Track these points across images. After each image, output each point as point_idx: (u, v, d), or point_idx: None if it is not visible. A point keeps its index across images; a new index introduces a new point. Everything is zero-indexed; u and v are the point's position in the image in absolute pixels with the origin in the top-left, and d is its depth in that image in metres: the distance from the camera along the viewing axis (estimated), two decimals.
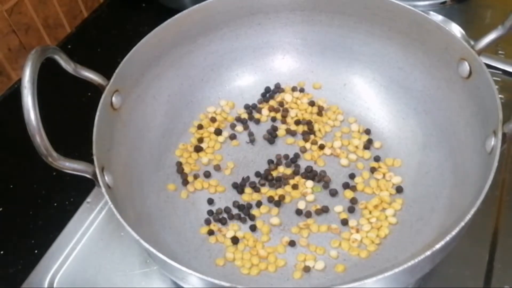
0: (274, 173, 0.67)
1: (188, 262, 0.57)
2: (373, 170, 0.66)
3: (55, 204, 0.69)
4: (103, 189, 0.50)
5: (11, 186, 0.71)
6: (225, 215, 0.63)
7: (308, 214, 0.63)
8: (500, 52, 0.78)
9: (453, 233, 0.45)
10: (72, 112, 0.77)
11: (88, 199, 0.68)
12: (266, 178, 0.66)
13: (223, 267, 0.59)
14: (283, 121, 0.72)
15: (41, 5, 0.83)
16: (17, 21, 0.80)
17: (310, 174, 0.66)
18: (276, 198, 0.64)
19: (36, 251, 0.64)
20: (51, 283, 0.62)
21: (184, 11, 0.65)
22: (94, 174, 0.51)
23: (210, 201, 0.65)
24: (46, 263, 0.63)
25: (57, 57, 0.51)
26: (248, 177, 0.66)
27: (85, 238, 0.65)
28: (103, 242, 0.65)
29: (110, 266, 0.63)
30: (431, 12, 0.83)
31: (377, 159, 0.67)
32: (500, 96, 0.54)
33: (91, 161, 0.51)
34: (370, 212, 0.62)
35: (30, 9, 0.82)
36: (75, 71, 0.54)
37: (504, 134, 0.51)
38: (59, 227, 0.66)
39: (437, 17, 0.81)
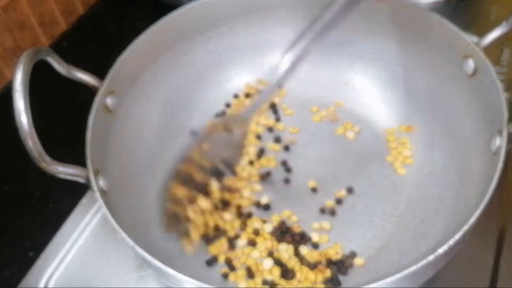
0: None
1: (185, 268, 0.56)
2: None
3: (50, 206, 0.68)
4: (97, 194, 0.49)
5: (6, 188, 0.71)
6: None
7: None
8: (505, 49, 0.78)
9: (457, 237, 0.45)
10: (66, 113, 0.76)
11: (84, 201, 0.67)
12: None
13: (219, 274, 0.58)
14: None
15: (36, 2, 0.82)
16: (12, 18, 0.79)
17: None
18: None
19: (30, 253, 0.63)
20: (46, 286, 0.61)
21: (182, 9, 0.65)
22: (88, 179, 0.50)
23: None
24: (41, 265, 0.62)
25: (49, 59, 0.50)
26: None
27: (80, 240, 0.64)
28: (98, 244, 0.64)
29: (105, 268, 0.62)
30: None
31: None
32: (505, 94, 0.53)
33: (85, 165, 0.51)
34: None
35: (26, 6, 0.81)
36: (69, 72, 0.53)
37: (509, 134, 0.50)
38: (54, 229, 0.65)
39: None
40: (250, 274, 0.58)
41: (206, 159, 0.58)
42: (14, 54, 0.81)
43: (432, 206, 0.59)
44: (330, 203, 0.63)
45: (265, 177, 0.66)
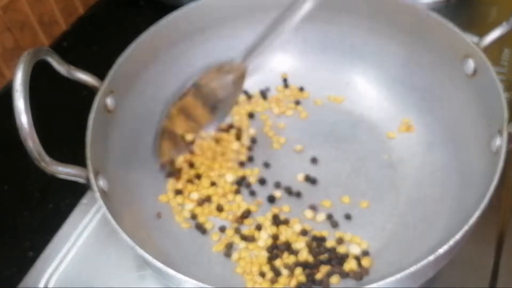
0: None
1: (186, 268, 0.57)
2: None
3: (50, 206, 0.68)
4: (98, 194, 0.49)
5: (5, 187, 0.70)
6: None
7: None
8: (505, 49, 0.78)
9: (457, 237, 0.45)
10: (66, 113, 0.76)
11: (84, 201, 0.67)
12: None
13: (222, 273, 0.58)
14: None
15: (36, 2, 0.82)
16: (12, 18, 0.79)
17: None
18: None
19: (30, 253, 0.63)
20: (46, 286, 0.61)
21: (182, 9, 0.65)
22: (88, 179, 0.50)
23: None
24: (41, 265, 0.62)
25: (50, 59, 0.50)
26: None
27: (80, 240, 0.64)
28: (99, 244, 0.64)
29: (106, 268, 0.62)
30: None
31: None
32: (505, 94, 0.53)
33: (86, 165, 0.51)
34: None
35: (26, 6, 0.81)
36: (69, 72, 0.53)
37: (509, 134, 0.50)
38: (54, 229, 0.65)
39: None
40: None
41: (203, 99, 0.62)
42: (15, 54, 0.80)
43: (432, 206, 0.59)
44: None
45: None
